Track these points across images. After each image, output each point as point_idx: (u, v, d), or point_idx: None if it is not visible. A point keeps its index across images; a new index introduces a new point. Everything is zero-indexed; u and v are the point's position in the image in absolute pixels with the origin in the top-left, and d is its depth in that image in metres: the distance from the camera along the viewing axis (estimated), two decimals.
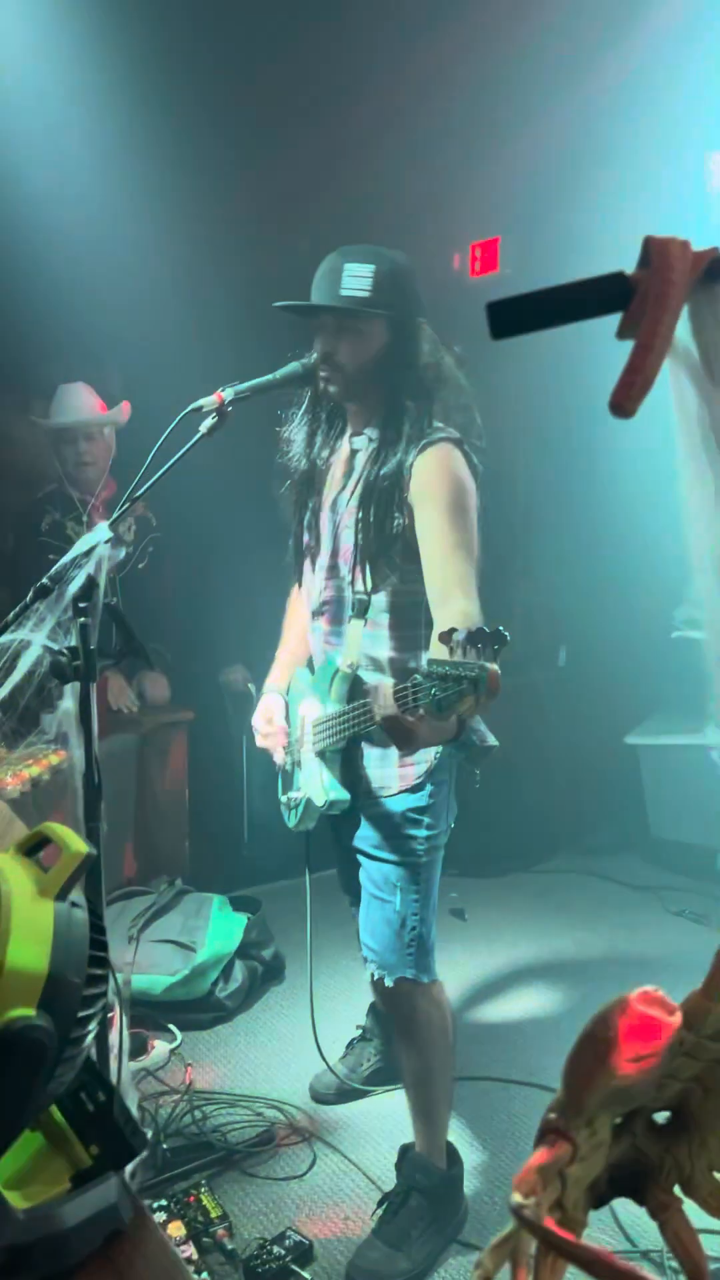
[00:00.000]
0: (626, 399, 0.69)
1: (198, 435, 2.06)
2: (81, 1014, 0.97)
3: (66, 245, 3.45)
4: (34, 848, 1.05)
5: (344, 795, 2.14)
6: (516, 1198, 0.74)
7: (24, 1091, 0.94)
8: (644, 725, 4.33)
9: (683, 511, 0.76)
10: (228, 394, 2.04)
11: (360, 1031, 2.87)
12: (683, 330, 0.74)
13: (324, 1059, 2.59)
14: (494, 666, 1.55)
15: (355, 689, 2.14)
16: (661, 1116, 0.87)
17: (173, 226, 3.62)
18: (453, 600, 2.00)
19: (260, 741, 2.37)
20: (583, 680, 4.56)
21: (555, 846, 4.45)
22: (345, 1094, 2.73)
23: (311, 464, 2.27)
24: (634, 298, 0.72)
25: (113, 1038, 2.04)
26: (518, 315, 0.75)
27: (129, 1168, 1.06)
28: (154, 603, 3.59)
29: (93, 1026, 1.00)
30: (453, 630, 1.62)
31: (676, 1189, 0.88)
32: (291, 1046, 2.98)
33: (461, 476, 2.07)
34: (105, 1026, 1.94)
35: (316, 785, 2.17)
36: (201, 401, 2.04)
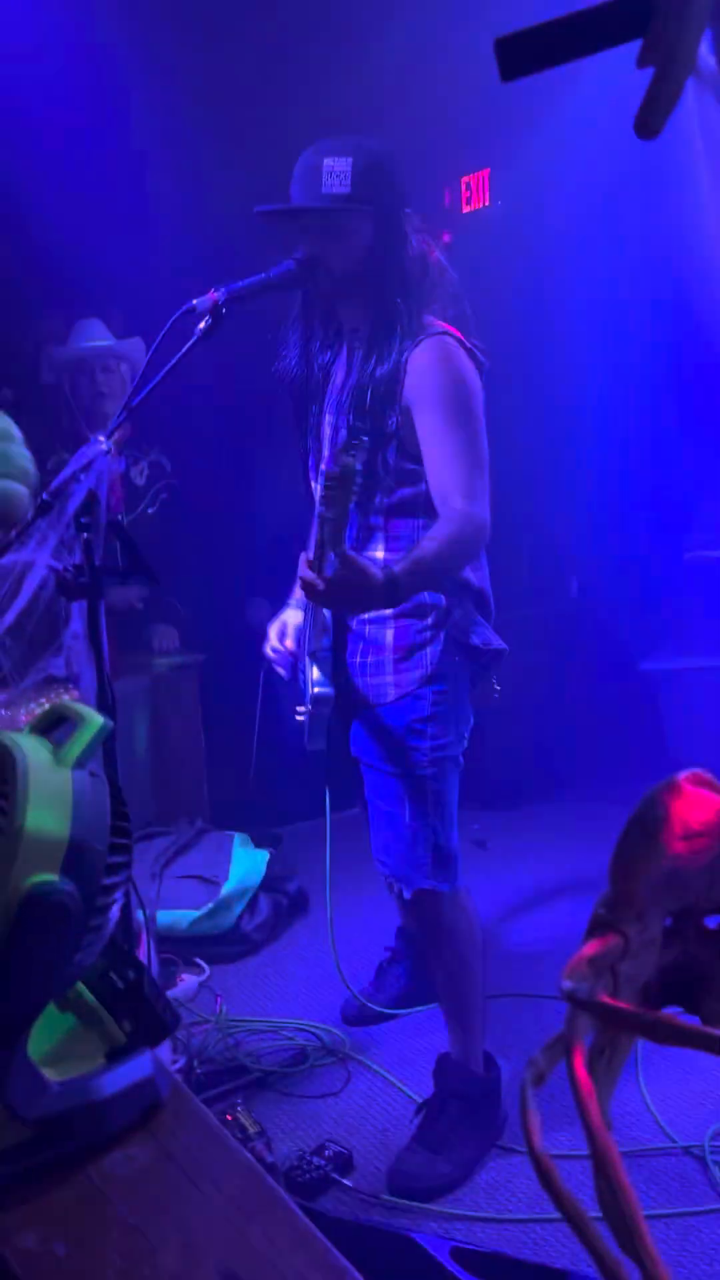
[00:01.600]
0: (651, 117, 0.64)
1: (194, 338, 2.01)
2: (106, 881, 0.94)
3: (62, 193, 3.39)
4: (49, 727, 1.02)
5: (328, 690, 2.10)
6: (567, 983, 0.71)
7: (52, 958, 0.92)
8: (659, 651, 4.28)
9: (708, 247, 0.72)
10: (221, 293, 1.99)
11: (389, 954, 2.85)
12: (708, 52, 0.69)
13: (345, 982, 2.57)
14: (347, 458, 1.66)
15: None
16: (715, 923, 0.84)
17: (167, 169, 3.55)
18: (448, 502, 1.96)
19: (267, 650, 2.34)
20: (596, 610, 4.52)
21: (575, 776, 4.42)
22: (376, 1016, 2.71)
23: (310, 367, 2.21)
24: (654, 19, 0.67)
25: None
26: (530, 50, 0.70)
27: (163, 1045, 1.04)
28: (163, 548, 3.55)
29: (118, 895, 0.98)
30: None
31: None
32: (320, 974, 2.97)
33: (460, 371, 2.01)
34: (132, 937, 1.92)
35: (308, 684, 2.14)
36: (195, 302, 2.00)
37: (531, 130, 4.15)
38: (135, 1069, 0.98)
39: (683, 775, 0.78)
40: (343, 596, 1.85)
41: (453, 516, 1.95)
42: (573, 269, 4.22)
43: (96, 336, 3.47)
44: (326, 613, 2.16)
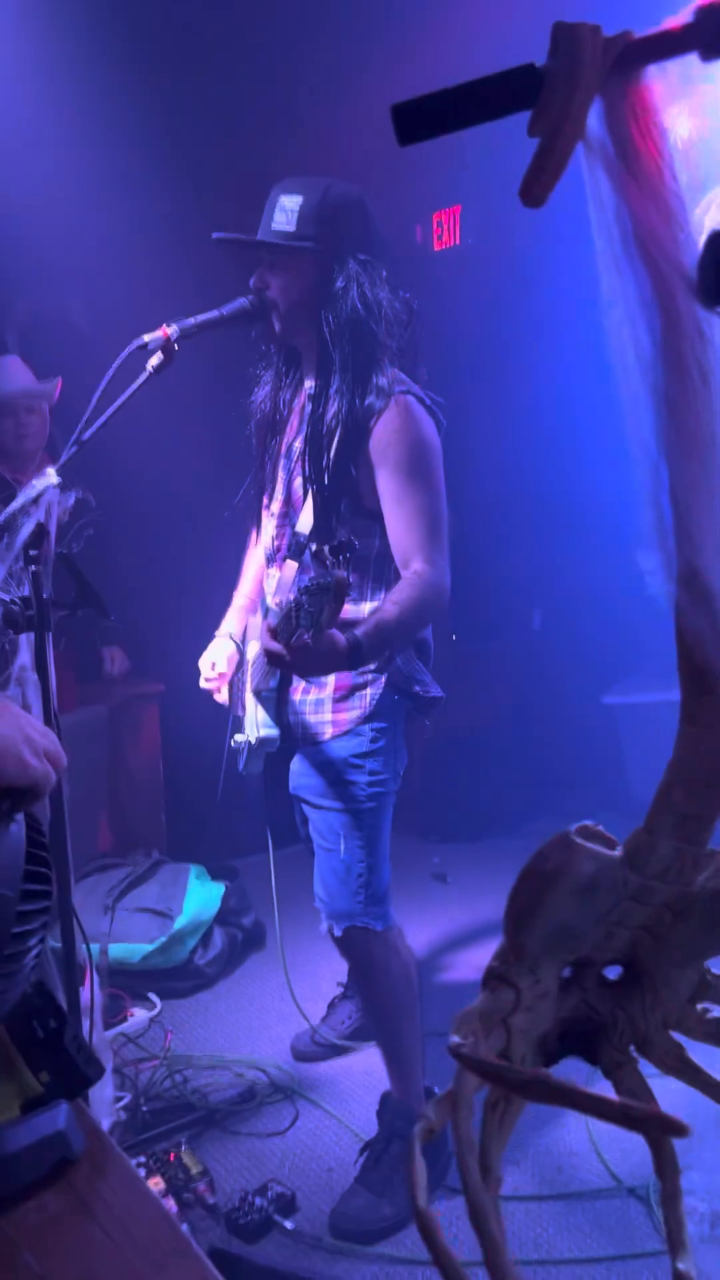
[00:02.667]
0: (536, 184, 0.66)
1: (145, 374, 2.01)
2: (17, 929, 0.94)
3: None
4: None
5: (273, 732, 2.12)
6: (454, 1038, 0.71)
7: None
8: (620, 684, 4.31)
9: (607, 323, 0.73)
10: (173, 329, 2.00)
11: (342, 989, 2.83)
12: (599, 124, 0.70)
13: (303, 1014, 2.56)
14: (341, 573, 1.63)
15: None
16: (614, 973, 0.85)
17: (115, 195, 3.55)
18: (410, 564, 1.98)
19: (202, 684, 2.34)
20: (558, 643, 4.54)
21: (536, 810, 4.42)
22: (327, 1052, 2.69)
23: (273, 407, 2.22)
24: (544, 89, 0.69)
25: (85, 997, 2.00)
26: (425, 116, 0.71)
27: (107, 1082, 1.02)
28: (99, 578, 3.53)
29: (34, 943, 0.97)
30: (313, 546, 1.74)
31: (631, 1049, 0.85)
32: (273, 1009, 2.94)
33: (424, 434, 2.02)
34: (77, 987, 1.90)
35: (252, 724, 2.14)
36: (146, 338, 2.00)
37: (503, 167, 4.22)
38: (47, 1123, 0.97)
39: (573, 829, 0.78)
40: (310, 666, 1.85)
41: (414, 581, 1.95)
42: (543, 306, 4.28)
43: (17, 376, 3.43)
44: (255, 652, 2.18)
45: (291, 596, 1.80)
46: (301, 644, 1.73)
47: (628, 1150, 2.24)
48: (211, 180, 3.67)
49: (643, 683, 4.24)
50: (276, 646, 1.78)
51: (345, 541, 1.65)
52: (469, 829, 4.21)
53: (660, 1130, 0.57)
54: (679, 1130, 0.56)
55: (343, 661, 1.80)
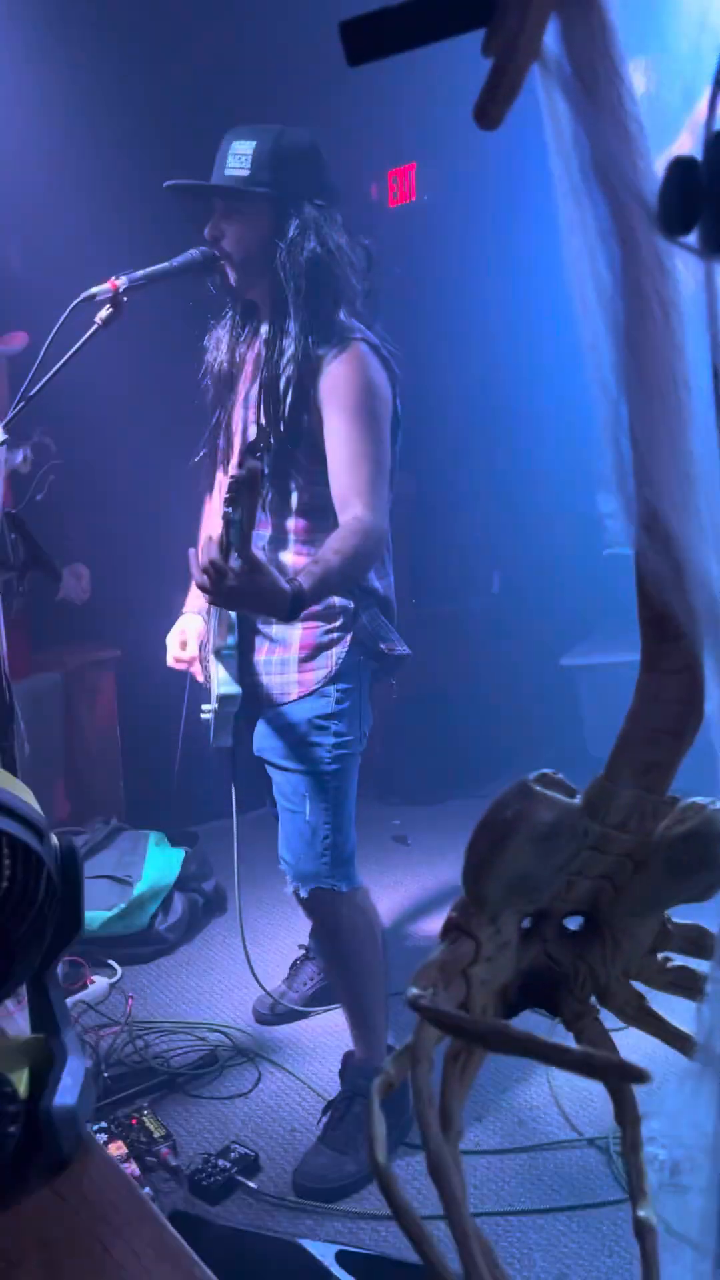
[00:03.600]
0: (491, 104, 0.63)
1: (94, 327, 1.97)
2: None
3: None
4: None
5: (234, 689, 2.09)
6: (413, 989, 0.70)
7: None
8: (578, 646, 4.33)
9: (565, 256, 0.70)
10: (122, 281, 1.95)
11: (303, 952, 2.83)
12: (556, 44, 0.68)
13: (257, 980, 2.55)
14: (254, 463, 1.67)
15: None
16: (574, 924, 0.84)
17: (58, 141, 3.45)
18: (349, 508, 1.94)
19: (170, 662, 2.30)
20: (517, 606, 4.55)
21: (496, 771, 4.43)
22: (288, 1014, 2.69)
23: (230, 358, 2.17)
24: (498, 7, 0.66)
25: None
26: (374, 35, 0.68)
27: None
28: (60, 537, 3.46)
29: None
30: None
31: (593, 1000, 0.84)
32: (234, 974, 2.94)
33: (374, 380, 1.99)
34: None
35: (215, 684, 2.12)
36: (94, 290, 1.95)
37: (457, 124, 4.15)
38: None
39: (532, 776, 0.77)
40: (245, 602, 1.82)
41: (355, 527, 1.92)
42: (500, 263, 4.24)
43: None
44: (231, 615, 2.14)
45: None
46: (242, 579, 1.69)
47: (587, 1102, 2.27)
48: (161, 131, 3.57)
49: (600, 644, 4.26)
50: (201, 578, 1.73)
51: (259, 441, 1.70)
52: (429, 791, 4.22)
53: (621, 1078, 0.56)
54: (640, 1077, 0.56)
55: (283, 605, 1.75)
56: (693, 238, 0.67)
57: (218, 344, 2.16)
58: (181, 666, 2.29)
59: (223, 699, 2.13)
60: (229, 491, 1.71)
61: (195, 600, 2.37)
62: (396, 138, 4.72)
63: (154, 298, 2.04)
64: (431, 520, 4.45)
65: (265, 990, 2.63)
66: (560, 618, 4.39)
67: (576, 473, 4.19)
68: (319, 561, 1.88)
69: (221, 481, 2.20)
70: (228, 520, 1.75)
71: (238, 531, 1.72)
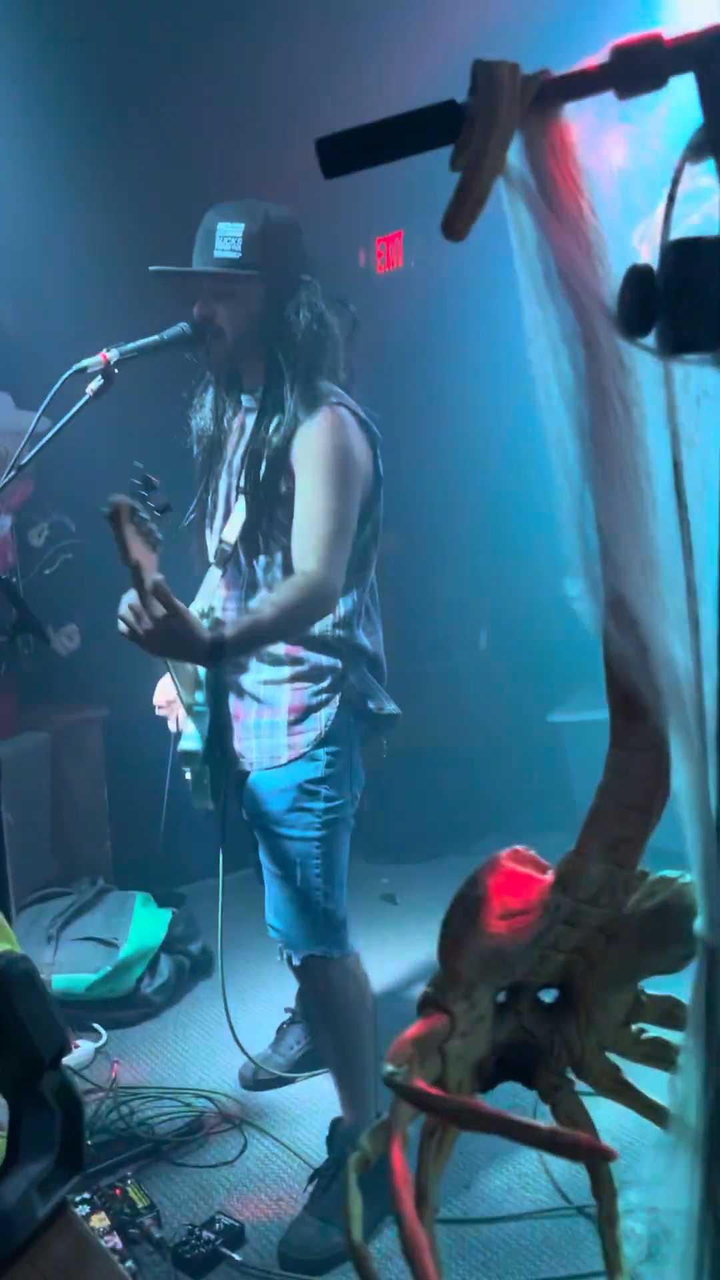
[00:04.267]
0: (458, 218, 0.67)
1: (84, 399, 2.01)
2: None
3: None
4: None
5: (195, 746, 2.11)
6: (387, 1067, 0.71)
7: None
8: (566, 703, 4.34)
9: (530, 354, 0.74)
10: (113, 354, 2.00)
11: (289, 1015, 2.81)
12: (519, 159, 0.72)
13: (241, 1048, 2.52)
14: (116, 497, 1.74)
15: None
16: (549, 997, 0.85)
17: (60, 211, 3.54)
18: (302, 562, 1.95)
19: (158, 711, 2.32)
20: (504, 662, 4.57)
21: (485, 828, 4.43)
22: (275, 1080, 2.66)
23: (214, 427, 2.22)
24: (464, 125, 0.70)
25: None
26: (349, 150, 0.72)
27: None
28: (63, 606, 3.50)
29: None
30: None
31: (568, 1072, 0.85)
32: (220, 1038, 2.89)
33: (346, 443, 2.01)
34: None
35: (182, 738, 2.14)
36: (85, 362, 2.00)
37: (445, 191, 4.27)
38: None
39: (504, 853, 0.79)
40: (164, 647, 1.82)
41: (300, 582, 1.93)
42: (486, 329, 4.32)
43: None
44: (196, 669, 2.15)
45: None
46: (161, 623, 1.72)
47: (577, 1170, 2.24)
48: (151, 199, 3.66)
49: (588, 700, 4.27)
50: (121, 625, 1.78)
51: (137, 480, 1.78)
52: (417, 849, 4.21)
53: (587, 1157, 0.58)
54: (606, 1156, 0.57)
55: (201, 653, 1.78)
56: (650, 339, 0.71)
57: (204, 413, 2.21)
58: (165, 714, 2.31)
59: (184, 755, 2.15)
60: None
61: None
62: (383, 204, 4.83)
63: (158, 376, 2.09)
64: (418, 578, 4.49)
65: (249, 1057, 2.60)
66: (548, 673, 4.41)
67: (561, 529, 4.24)
68: (251, 612, 1.94)
69: (210, 543, 2.23)
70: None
71: (132, 574, 1.73)
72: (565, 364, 0.73)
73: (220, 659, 1.83)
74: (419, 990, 2.66)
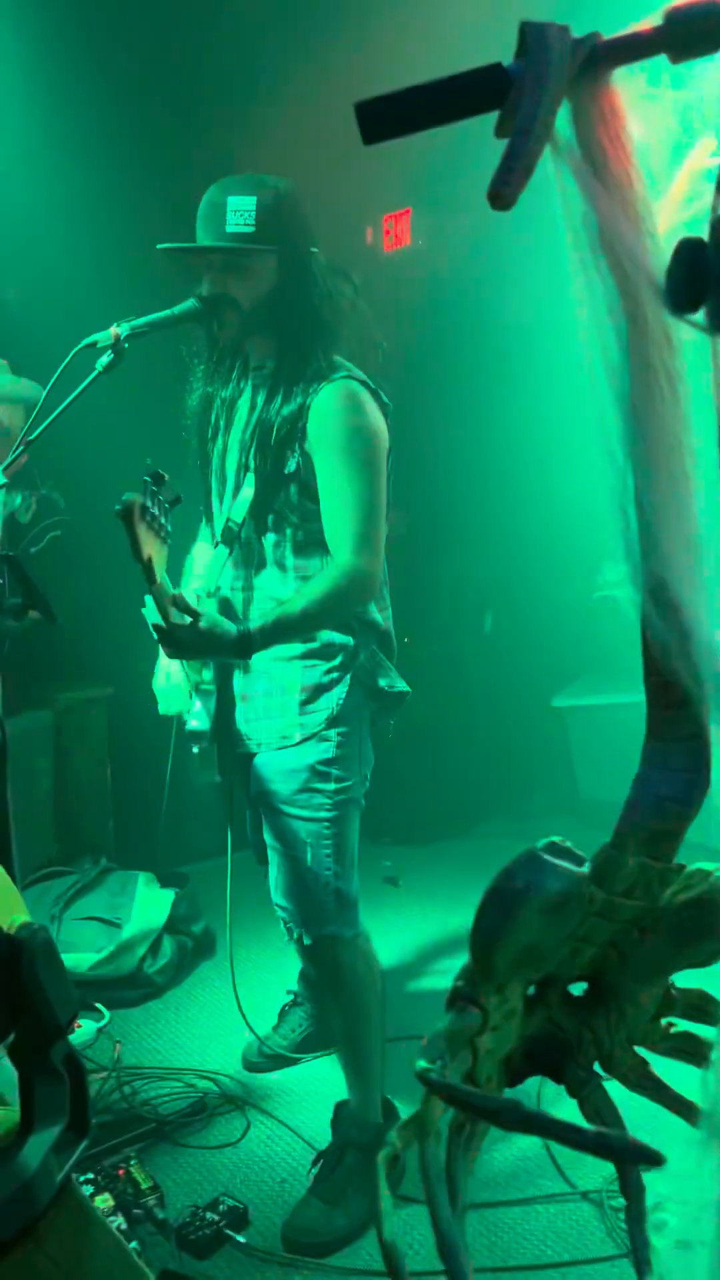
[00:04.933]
0: (505, 186, 0.64)
1: (94, 373, 1.98)
2: None
3: None
4: None
5: (204, 726, 2.10)
6: (421, 1063, 0.69)
7: None
8: (570, 688, 4.33)
9: (578, 326, 0.72)
10: (123, 329, 1.97)
11: (291, 997, 2.81)
12: (567, 126, 0.69)
13: (249, 1026, 2.53)
14: (129, 496, 1.75)
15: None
16: (579, 990, 0.83)
17: (65, 188, 3.49)
18: (339, 555, 1.97)
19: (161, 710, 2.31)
20: (509, 646, 4.55)
21: (487, 812, 4.43)
22: (278, 1061, 2.66)
23: (215, 404, 2.19)
24: (512, 90, 0.67)
25: None
26: (391, 115, 0.69)
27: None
28: (54, 583, 3.46)
29: None
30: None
31: (596, 1066, 0.84)
32: (222, 1018, 2.90)
33: (364, 420, 2.00)
34: None
35: (189, 717, 2.12)
36: (95, 337, 1.97)
37: (453, 170, 4.22)
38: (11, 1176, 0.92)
39: (541, 845, 0.77)
40: (195, 649, 1.90)
41: (333, 573, 1.96)
42: (494, 308, 4.28)
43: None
44: None
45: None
46: (185, 629, 1.78)
47: (582, 1155, 2.24)
48: (157, 175, 3.62)
49: (592, 686, 4.26)
50: (157, 631, 1.82)
51: (146, 477, 1.76)
52: (420, 832, 4.20)
53: (636, 1160, 0.56)
54: (654, 1159, 0.55)
55: (231, 649, 1.85)
56: (700, 315, 0.68)
57: (209, 382, 2.18)
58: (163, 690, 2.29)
59: (191, 734, 2.15)
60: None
61: None
62: (393, 183, 4.78)
63: (165, 352, 2.06)
64: (424, 560, 4.46)
65: (256, 1035, 2.60)
66: (552, 659, 4.39)
67: (570, 515, 4.21)
68: (282, 603, 1.94)
69: (216, 520, 2.20)
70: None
71: (145, 572, 1.76)
72: (610, 339, 0.71)
73: (250, 653, 1.88)
74: (420, 973, 2.66)
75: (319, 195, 2.26)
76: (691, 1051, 0.81)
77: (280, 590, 2.06)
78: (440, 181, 4.47)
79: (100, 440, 3.16)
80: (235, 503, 2.10)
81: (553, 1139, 0.58)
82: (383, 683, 2.12)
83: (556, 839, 0.75)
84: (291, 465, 2.00)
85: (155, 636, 1.86)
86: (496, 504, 4.44)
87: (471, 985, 0.74)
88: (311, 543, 2.05)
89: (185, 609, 1.84)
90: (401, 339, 4.43)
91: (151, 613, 1.86)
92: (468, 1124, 0.74)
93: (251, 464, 2.05)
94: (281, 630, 1.93)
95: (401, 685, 2.16)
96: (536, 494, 4.25)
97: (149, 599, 1.85)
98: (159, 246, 2.03)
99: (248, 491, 2.07)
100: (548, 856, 0.73)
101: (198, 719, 2.15)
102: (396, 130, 0.70)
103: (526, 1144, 2.30)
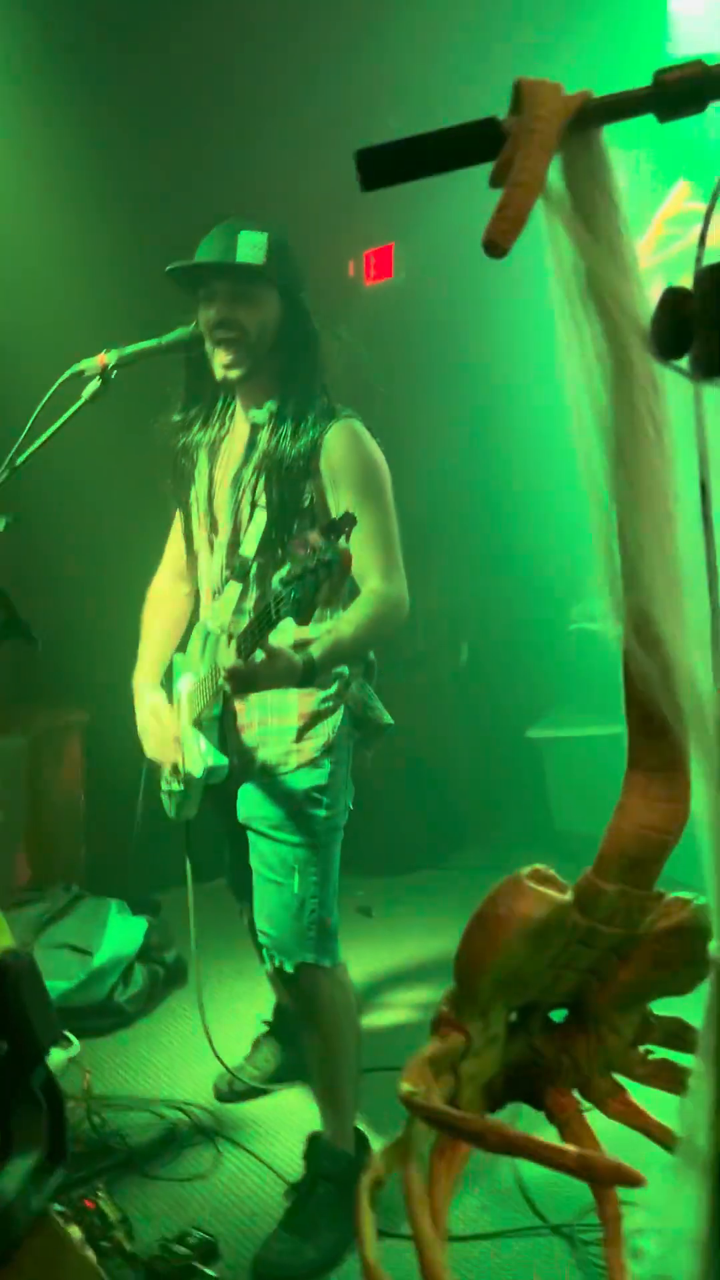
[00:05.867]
0: (499, 234, 0.67)
1: (81, 400, 2.00)
2: None
3: None
4: None
5: (222, 761, 2.11)
6: (405, 1086, 0.70)
7: None
8: (545, 719, 4.36)
9: (563, 373, 0.74)
10: (111, 357, 1.99)
11: (266, 1028, 2.79)
12: (558, 179, 0.72)
13: (217, 1056, 2.51)
14: (345, 545, 1.68)
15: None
16: (560, 1017, 0.85)
17: (57, 213, 3.52)
18: (368, 582, 2.03)
19: (152, 750, 2.30)
20: (484, 677, 4.58)
21: (461, 842, 4.44)
22: (250, 1092, 2.64)
23: (202, 441, 2.21)
24: (506, 143, 0.70)
25: None
26: (388, 163, 0.72)
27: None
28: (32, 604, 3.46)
29: None
30: (301, 532, 1.77)
31: (576, 1094, 0.85)
32: (194, 1048, 2.88)
33: (375, 456, 2.08)
34: None
35: (195, 756, 2.12)
36: (83, 364, 1.99)
37: (437, 204, 4.30)
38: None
39: (525, 872, 0.79)
40: (265, 684, 1.92)
41: (371, 599, 2.01)
42: (477, 342, 4.34)
43: None
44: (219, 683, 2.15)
45: (264, 599, 1.87)
46: (260, 666, 1.81)
47: (553, 1187, 2.24)
48: (141, 207, 3.66)
49: (567, 717, 4.29)
50: (239, 665, 1.86)
51: (345, 515, 1.71)
52: (393, 862, 4.20)
53: (618, 1182, 0.57)
54: (636, 1181, 0.56)
55: (295, 678, 1.87)
56: (684, 362, 0.71)
57: (189, 423, 2.20)
58: (163, 754, 2.28)
59: (210, 770, 2.14)
60: (292, 580, 1.72)
61: (146, 675, 2.38)
62: (374, 217, 4.84)
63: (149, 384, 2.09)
64: None
65: (226, 1067, 2.58)
66: (528, 689, 4.42)
67: (545, 549, 4.27)
68: (332, 631, 1.97)
69: (206, 561, 2.22)
70: (278, 599, 1.76)
71: (295, 611, 1.75)
72: (598, 383, 0.73)
73: (314, 680, 1.91)
74: (392, 1004, 2.66)
75: (298, 225, 2.30)
76: (668, 1078, 0.83)
77: (280, 620, 2.08)
78: (423, 215, 4.54)
79: (81, 466, 3.17)
80: (244, 538, 2.12)
81: (536, 1160, 0.60)
82: (370, 713, 2.14)
83: (540, 866, 0.77)
84: (306, 500, 2.04)
85: (234, 678, 1.86)
86: (473, 538, 4.49)
87: (455, 1010, 0.75)
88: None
89: (277, 656, 1.85)
90: (384, 371, 4.48)
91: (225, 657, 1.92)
92: (448, 1149, 0.75)
93: (261, 500, 2.07)
94: (337, 656, 1.96)
95: (386, 717, 2.18)
96: (513, 528, 4.30)
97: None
98: (170, 267, 2.06)
99: (257, 528, 2.10)
100: (532, 884, 0.74)
101: (213, 758, 2.15)
102: (394, 178, 0.72)
103: (497, 1177, 2.29)
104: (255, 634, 1.80)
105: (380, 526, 2.04)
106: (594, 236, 0.71)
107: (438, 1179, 0.74)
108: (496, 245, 0.67)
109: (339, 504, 2.02)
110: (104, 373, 1.98)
